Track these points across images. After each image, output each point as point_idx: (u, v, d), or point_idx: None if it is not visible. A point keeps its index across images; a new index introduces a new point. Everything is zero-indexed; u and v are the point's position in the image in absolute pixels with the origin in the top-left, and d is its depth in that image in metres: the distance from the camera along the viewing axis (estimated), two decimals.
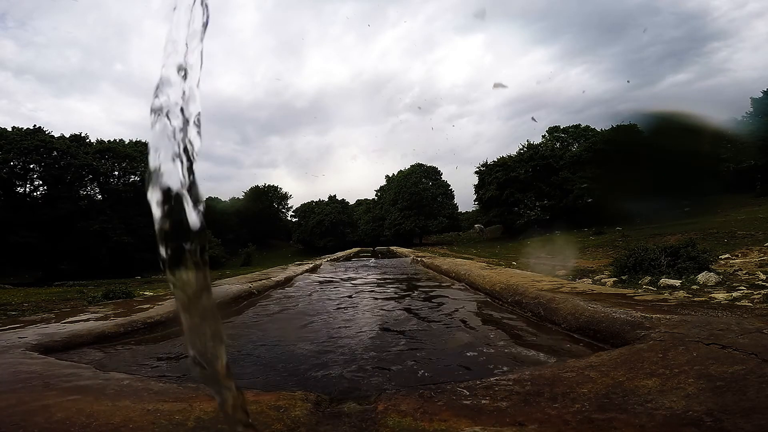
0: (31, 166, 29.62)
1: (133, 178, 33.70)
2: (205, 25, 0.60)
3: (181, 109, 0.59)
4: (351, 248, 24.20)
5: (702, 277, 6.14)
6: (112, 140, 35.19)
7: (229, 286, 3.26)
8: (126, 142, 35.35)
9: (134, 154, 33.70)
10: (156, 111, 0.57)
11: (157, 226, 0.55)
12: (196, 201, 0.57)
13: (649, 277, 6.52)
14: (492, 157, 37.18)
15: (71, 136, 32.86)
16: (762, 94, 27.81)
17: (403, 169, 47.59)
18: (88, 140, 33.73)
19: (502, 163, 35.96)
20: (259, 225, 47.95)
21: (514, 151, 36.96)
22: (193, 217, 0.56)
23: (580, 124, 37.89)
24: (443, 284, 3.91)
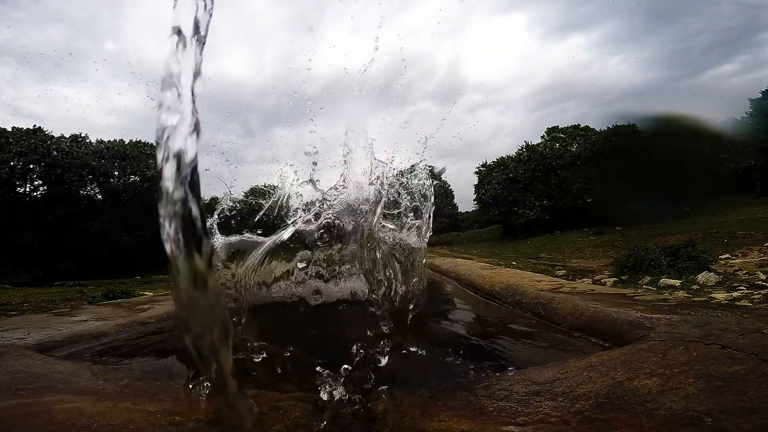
0: (31, 166, 29.57)
1: (133, 178, 33.67)
2: None
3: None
4: None
5: (702, 277, 6.14)
6: (111, 140, 35.18)
7: None
8: (126, 142, 35.34)
9: (134, 154, 33.69)
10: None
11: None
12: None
13: (649, 277, 6.52)
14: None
15: (71, 136, 32.84)
16: (761, 95, 27.78)
17: (403, 170, 47.53)
18: (87, 140, 33.72)
19: (501, 163, 35.95)
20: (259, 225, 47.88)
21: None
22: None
23: (579, 124, 37.76)
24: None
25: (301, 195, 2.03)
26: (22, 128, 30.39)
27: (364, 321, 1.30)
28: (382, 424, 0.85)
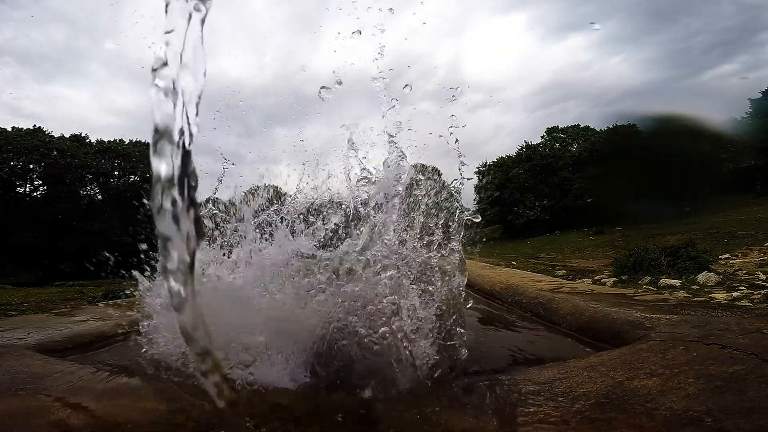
0: (31, 166, 29.58)
1: (133, 178, 33.67)
2: None
3: None
4: None
5: (702, 277, 6.14)
6: (111, 140, 35.18)
7: None
8: (126, 142, 35.35)
9: (134, 154, 33.69)
10: None
11: None
12: None
13: (649, 277, 6.52)
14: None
15: (71, 136, 32.85)
16: (761, 95, 27.76)
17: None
18: (88, 140, 33.72)
19: (501, 164, 35.95)
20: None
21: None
22: None
23: (579, 124, 37.71)
24: None
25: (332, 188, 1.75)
26: (22, 128, 30.41)
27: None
28: (382, 423, 0.85)
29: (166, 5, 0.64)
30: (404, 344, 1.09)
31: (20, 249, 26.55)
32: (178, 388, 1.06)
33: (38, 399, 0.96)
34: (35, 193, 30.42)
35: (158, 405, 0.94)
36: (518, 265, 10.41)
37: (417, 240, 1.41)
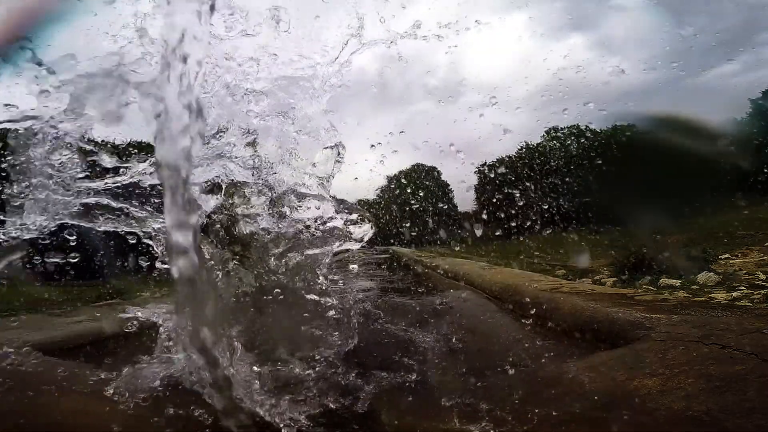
0: None
1: None
2: None
3: None
4: None
5: (702, 277, 6.12)
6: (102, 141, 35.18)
7: None
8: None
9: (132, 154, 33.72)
10: None
11: None
12: None
13: (649, 277, 6.52)
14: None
15: None
16: (761, 95, 27.73)
17: (403, 169, 47.52)
18: None
19: (501, 164, 35.97)
20: None
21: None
22: None
23: (578, 124, 37.70)
24: None
25: None
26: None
27: None
28: (381, 423, 0.85)
29: None
30: None
31: None
32: (176, 389, 1.05)
33: (38, 399, 0.96)
34: None
35: (158, 407, 0.93)
36: (517, 265, 10.38)
37: None
